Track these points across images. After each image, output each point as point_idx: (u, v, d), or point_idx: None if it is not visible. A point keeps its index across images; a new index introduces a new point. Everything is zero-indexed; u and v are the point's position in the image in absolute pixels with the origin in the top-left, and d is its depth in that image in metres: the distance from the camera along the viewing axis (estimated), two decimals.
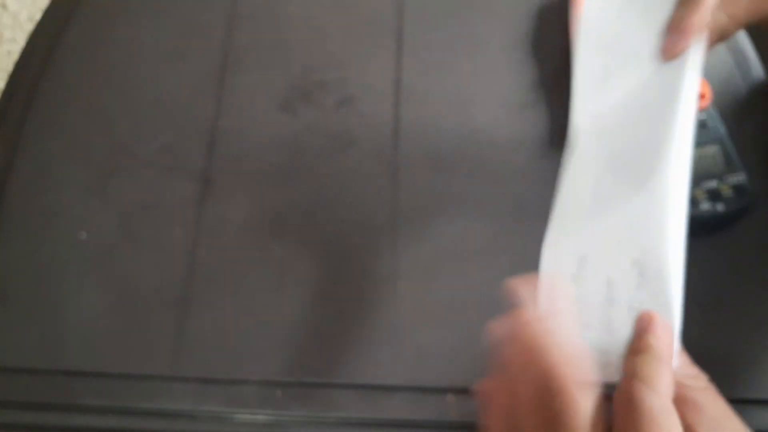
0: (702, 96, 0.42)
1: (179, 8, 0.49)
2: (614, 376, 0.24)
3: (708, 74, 0.42)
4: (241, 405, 0.37)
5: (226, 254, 0.41)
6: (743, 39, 0.48)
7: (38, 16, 0.49)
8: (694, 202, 0.39)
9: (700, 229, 0.41)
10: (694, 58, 0.28)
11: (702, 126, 0.41)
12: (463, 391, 0.37)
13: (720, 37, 0.30)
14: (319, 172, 0.43)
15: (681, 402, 0.23)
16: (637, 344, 0.24)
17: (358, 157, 0.43)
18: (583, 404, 0.22)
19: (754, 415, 0.36)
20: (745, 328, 0.38)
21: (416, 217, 0.42)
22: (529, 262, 0.28)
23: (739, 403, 0.34)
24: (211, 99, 0.45)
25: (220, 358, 0.38)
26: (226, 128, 0.44)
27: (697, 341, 0.27)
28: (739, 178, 0.39)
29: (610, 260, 0.25)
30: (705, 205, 0.39)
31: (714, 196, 0.39)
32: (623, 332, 0.24)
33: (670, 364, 0.23)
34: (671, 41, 0.29)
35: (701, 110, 0.42)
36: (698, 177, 0.39)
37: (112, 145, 0.44)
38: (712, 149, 0.40)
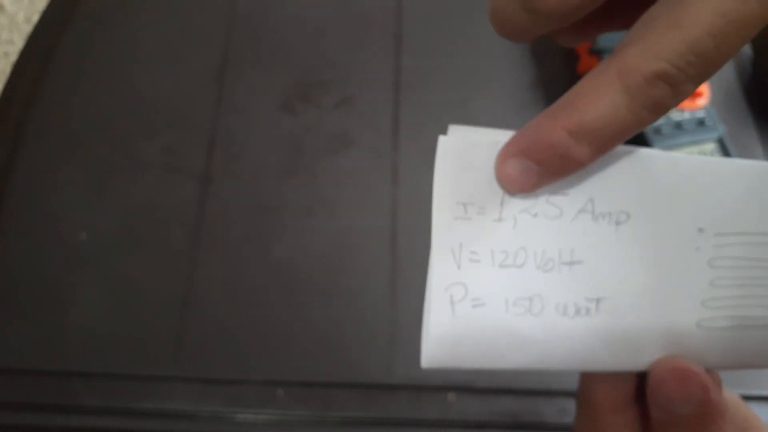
0: (700, 94, 0.42)
1: (179, 8, 0.49)
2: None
3: None
4: (242, 405, 0.36)
5: (226, 254, 0.41)
6: None
7: (35, 17, 0.49)
8: None
9: None
10: None
11: (700, 124, 0.41)
12: (463, 390, 0.37)
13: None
14: (318, 172, 0.43)
15: None
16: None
17: (358, 157, 0.44)
18: None
19: (755, 412, 0.36)
20: None
21: (416, 216, 0.42)
22: None
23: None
24: (211, 99, 0.45)
25: (220, 358, 0.38)
26: (226, 128, 0.44)
27: None
28: None
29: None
30: None
31: None
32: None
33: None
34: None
35: (699, 109, 0.42)
36: None
37: (112, 145, 0.44)
38: (710, 147, 0.41)
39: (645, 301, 0.19)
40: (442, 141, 0.19)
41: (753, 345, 0.20)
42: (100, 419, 0.36)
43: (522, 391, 0.37)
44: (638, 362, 0.19)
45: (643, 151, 0.19)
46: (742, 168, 0.19)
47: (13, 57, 0.48)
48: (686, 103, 0.42)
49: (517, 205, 0.19)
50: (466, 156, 0.19)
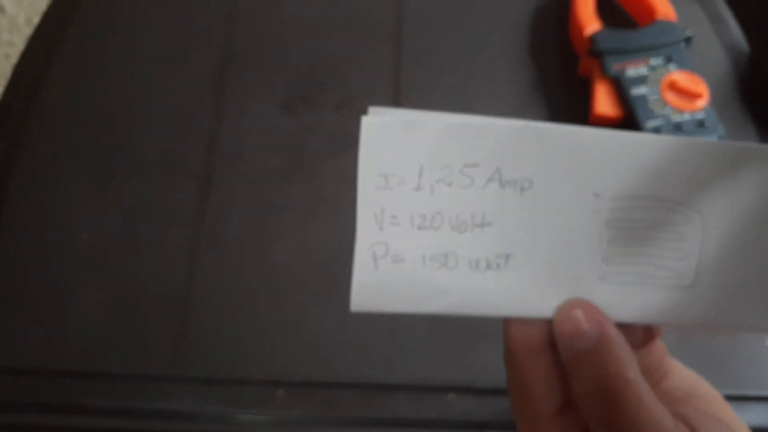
0: (699, 95, 0.42)
1: (179, 9, 0.49)
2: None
3: (704, 73, 0.43)
4: (243, 405, 0.36)
5: (226, 254, 0.41)
6: (738, 35, 0.49)
7: (36, 19, 0.49)
8: None
9: None
10: None
11: (699, 125, 0.41)
12: (463, 390, 0.37)
13: None
14: (318, 172, 0.43)
15: None
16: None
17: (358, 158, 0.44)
18: None
19: (752, 411, 0.36)
20: None
21: None
22: None
23: (737, 399, 0.35)
24: (211, 99, 0.46)
25: (221, 358, 0.38)
26: (226, 128, 0.45)
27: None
28: None
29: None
30: None
31: None
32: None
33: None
34: None
35: (699, 110, 0.42)
36: None
37: (112, 145, 0.44)
38: None
39: (550, 256, 0.22)
40: (365, 121, 0.22)
41: (651, 302, 0.22)
42: (100, 419, 0.36)
43: None
44: (546, 309, 0.22)
45: (544, 126, 0.21)
46: (629, 139, 0.22)
47: (14, 59, 0.48)
48: (686, 105, 0.42)
49: (434, 175, 0.22)
50: (386, 134, 0.22)
